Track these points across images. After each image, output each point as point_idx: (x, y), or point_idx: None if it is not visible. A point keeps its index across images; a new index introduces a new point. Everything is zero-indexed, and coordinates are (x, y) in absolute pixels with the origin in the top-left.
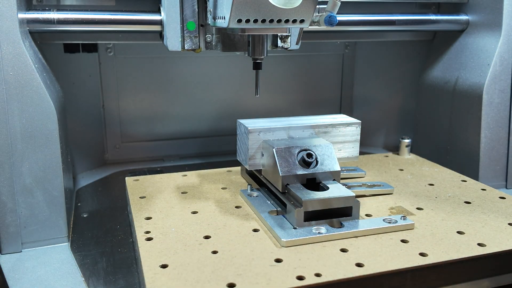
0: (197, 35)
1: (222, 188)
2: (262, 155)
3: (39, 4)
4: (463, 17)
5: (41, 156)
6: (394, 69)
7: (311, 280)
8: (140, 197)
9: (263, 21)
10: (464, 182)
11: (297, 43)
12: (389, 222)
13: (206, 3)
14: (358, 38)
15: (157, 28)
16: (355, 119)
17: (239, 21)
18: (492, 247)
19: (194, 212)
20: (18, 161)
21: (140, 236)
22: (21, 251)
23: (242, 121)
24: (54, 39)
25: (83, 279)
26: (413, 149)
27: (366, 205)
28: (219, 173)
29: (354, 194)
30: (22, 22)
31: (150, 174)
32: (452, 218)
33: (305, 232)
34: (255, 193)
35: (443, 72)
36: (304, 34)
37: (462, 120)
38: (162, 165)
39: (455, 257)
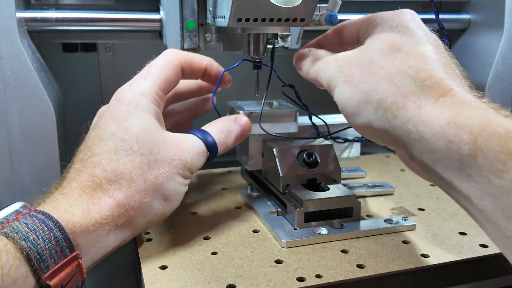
0: (197, 34)
1: (222, 189)
2: (262, 155)
3: (37, 3)
4: (464, 16)
5: (40, 156)
6: None
7: (311, 281)
8: None
9: (263, 20)
10: None
11: (297, 43)
12: (390, 223)
13: (206, 2)
14: None
15: (156, 27)
16: None
17: (239, 20)
18: (494, 248)
19: (194, 213)
20: (16, 161)
21: (139, 237)
22: None
23: None
24: (52, 38)
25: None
26: None
27: (367, 206)
28: (219, 173)
29: (355, 195)
30: (20, 21)
31: None
32: (454, 219)
33: (305, 233)
34: (255, 194)
35: None
36: (304, 33)
37: None
38: None
39: (457, 258)
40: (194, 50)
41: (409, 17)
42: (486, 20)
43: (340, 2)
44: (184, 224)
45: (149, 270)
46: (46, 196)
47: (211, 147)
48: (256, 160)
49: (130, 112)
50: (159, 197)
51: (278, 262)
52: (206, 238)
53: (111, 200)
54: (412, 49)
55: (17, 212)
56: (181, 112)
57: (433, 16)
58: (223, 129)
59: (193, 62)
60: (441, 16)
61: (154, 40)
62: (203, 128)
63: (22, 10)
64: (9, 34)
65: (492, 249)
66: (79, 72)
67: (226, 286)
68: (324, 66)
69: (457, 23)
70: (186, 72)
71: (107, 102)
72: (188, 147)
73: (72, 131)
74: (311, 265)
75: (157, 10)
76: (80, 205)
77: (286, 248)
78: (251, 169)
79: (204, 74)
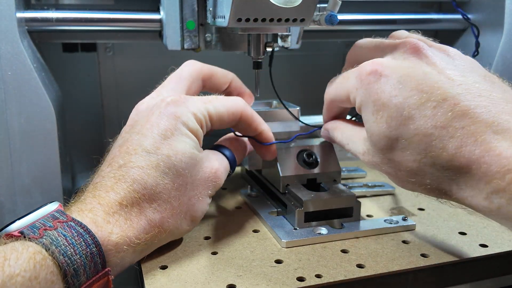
0: (197, 34)
1: (222, 189)
2: None
3: (37, 3)
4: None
5: (40, 156)
6: None
7: (311, 281)
8: None
9: (263, 20)
10: None
11: (297, 42)
12: (390, 223)
13: (206, 2)
14: (359, 38)
15: (156, 27)
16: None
17: (239, 20)
18: (494, 248)
19: None
20: (16, 161)
21: None
22: None
23: None
24: (52, 38)
25: None
26: None
27: (367, 206)
28: None
29: (355, 195)
30: (21, 21)
31: None
32: (454, 219)
33: (305, 232)
34: (255, 194)
35: None
36: (304, 33)
37: None
38: None
39: (457, 258)
40: (194, 50)
41: (377, 89)
42: (486, 20)
43: (340, 2)
44: None
45: (149, 270)
46: (79, 198)
47: (232, 165)
48: (256, 160)
49: (178, 128)
50: (189, 218)
51: (278, 262)
52: (206, 238)
53: (147, 222)
54: (409, 133)
55: (53, 217)
56: None
57: (433, 16)
58: (239, 147)
59: (214, 75)
60: (441, 16)
61: (154, 40)
62: (220, 143)
63: (22, 10)
64: (9, 34)
65: (492, 249)
66: (79, 72)
67: (226, 286)
68: (361, 158)
69: (457, 23)
70: (206, 85)
71: (107, 101)
72: (220, 168)
73: (72, 131)
74: (311, 265)
75: (157, 10)
76: (118, 223)
77: (286, 248)
78: (251, 169)
79: (227, 89)
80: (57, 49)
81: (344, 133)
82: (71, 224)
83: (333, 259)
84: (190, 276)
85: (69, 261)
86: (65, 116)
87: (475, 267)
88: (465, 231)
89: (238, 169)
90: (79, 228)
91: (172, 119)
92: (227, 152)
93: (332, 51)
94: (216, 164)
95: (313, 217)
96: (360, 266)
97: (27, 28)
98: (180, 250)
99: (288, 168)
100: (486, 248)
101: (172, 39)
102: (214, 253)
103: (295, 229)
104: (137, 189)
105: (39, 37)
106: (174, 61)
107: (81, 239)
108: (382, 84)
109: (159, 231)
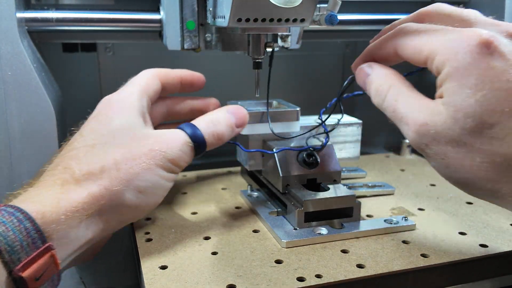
0: (197, 34)
1: (222, 189)
2: (262, 155)
3: (37, 3)
4: None
5: (40, 156)
6: (395, 68)
7: (311, 281)
8: None
9: (263, 20)
10: None
11: (297, 43)
12: (390, 223)
13: (206, 2)
14: (359, 38)
15: (156, 27)
16: (356, 119)
17: (239, 20)
18: (494, 248)
19: (194, 213)
20: (16, 161)
21: (139, 237)
22: None
23: None
24: (52, 38)
25: (82, 280)
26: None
27: (367, 206)
28: (219, 173)
29: (355, 195)
30: (21, 21)
31: None
32: (454, 219)
33: (305, 233)
34: (255, 194)
35: None
36: (304, 33)
37: None
38: None
39: (457, 258)
40: (194, 50)
41: (483, 64)
42: None
43: (340, 2)
44: (184, 224)
45: (149, 270)
46: (19, 192)
47: (197, 138)
48: (256, 160)
49: (114, 111)
50: (133, 188)
51: (278, 262)
52: (206, 238)
53: (81, 189)
54: (507, 123)
55: None
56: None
57: None
58: (210, 119)
59: (169, 72)
60: None
61: (154, 40)
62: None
63: (22, 10)
64: (9, 34)
65: (492, 249)
66: (79, 72)
67: (226, 286)
68: (402, 127)
69: None
70: (163, 80)
71: None
72: (168, 139)
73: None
74: (311, 265)
75: (157, 10)
76: (51, 195)
77: (286, 248)
78: (251, 169)
79: (182, 82)
80: (57, 49)
81: (400, 89)
82: (1, 208)
83: (333, 259)
84: (190, 276)
85: (1, 237)
86: (65, 116)
87: (475, 267)
88: (465, 231)
89: (238, 169)
90: (9, 209)
91: (108, 105)
92: (190, 127)
93: (332, 51)
94: (163, 137)
95: (313, 217)
96: (360, 266)
97: (27, 28)
98: (180, 250)
99: (288, 168)
100: (486, 248)
101: (172, 39)
102: (214, 253)
103: (295, 229)
104: (70, 166)
105: (39, 37)
106: (174, 61)
107: (13, 217)
108: (495, 61)
109: (95, 197)
